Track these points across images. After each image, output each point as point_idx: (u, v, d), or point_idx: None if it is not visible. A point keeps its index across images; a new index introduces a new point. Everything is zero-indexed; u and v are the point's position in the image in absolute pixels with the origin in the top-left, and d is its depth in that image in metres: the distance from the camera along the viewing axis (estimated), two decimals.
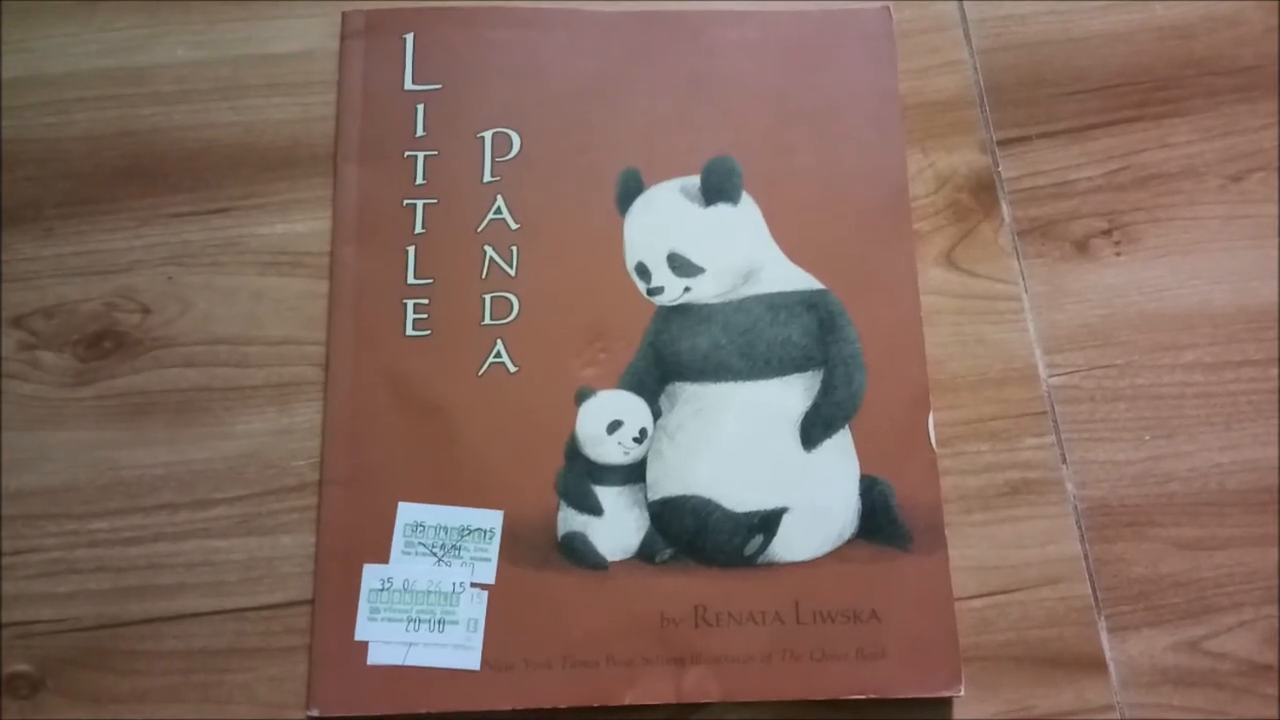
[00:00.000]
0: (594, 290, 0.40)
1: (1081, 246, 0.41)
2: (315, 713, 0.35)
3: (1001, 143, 0.42)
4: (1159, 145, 0.43)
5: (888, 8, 0.43)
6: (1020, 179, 0.42)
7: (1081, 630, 0.37)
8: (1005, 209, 0.42)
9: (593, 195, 0.41)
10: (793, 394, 0.38)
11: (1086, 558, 0.38)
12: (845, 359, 0.39)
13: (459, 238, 0.40)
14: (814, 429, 0.38)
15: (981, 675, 0.36)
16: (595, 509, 0.37)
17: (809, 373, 0.38)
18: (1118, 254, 0.41)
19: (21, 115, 0.43)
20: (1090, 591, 0.37)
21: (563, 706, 0.35)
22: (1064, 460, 0.39)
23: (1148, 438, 0.39)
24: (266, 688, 0.36)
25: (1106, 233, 0.42)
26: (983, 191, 0.42)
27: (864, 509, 0.37)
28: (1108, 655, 0.37)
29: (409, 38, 0.43)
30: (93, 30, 0.44)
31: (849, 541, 0.37)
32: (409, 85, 0.42)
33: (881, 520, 0.37)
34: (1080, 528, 0.38)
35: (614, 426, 0.38)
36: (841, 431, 0.38)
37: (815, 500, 0.37)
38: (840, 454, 0.38)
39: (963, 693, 0.35)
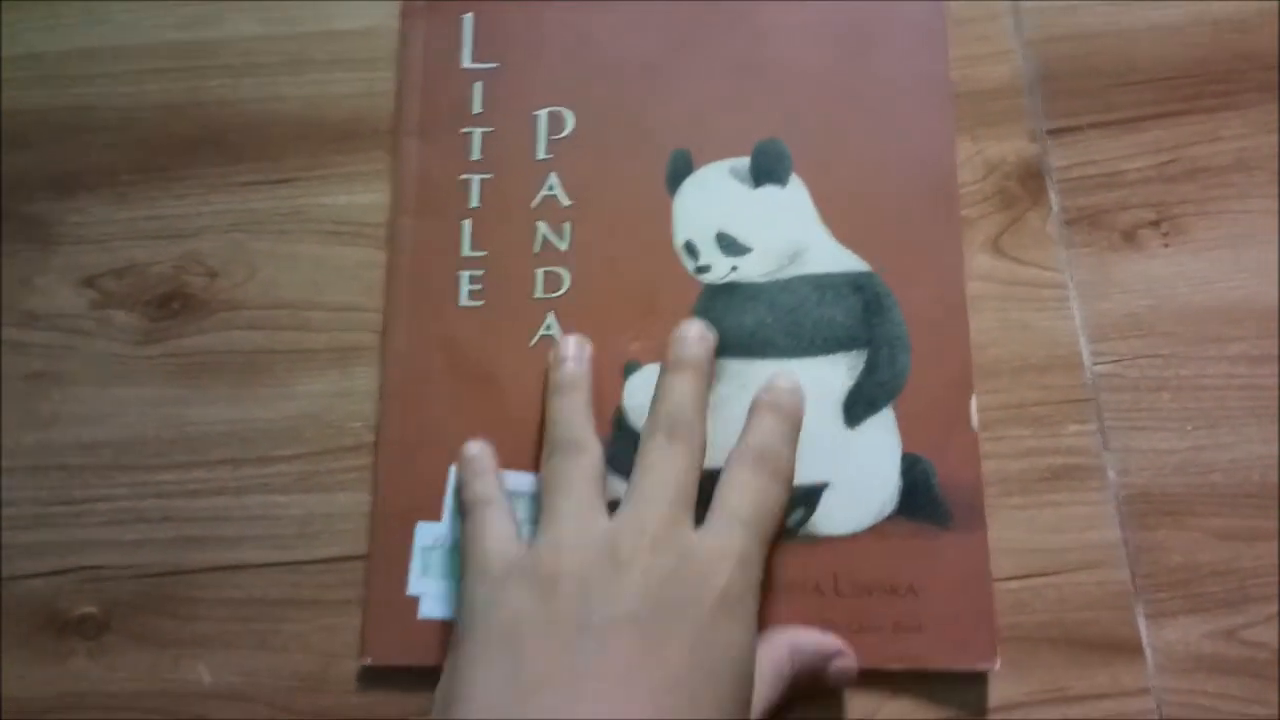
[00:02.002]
0: (644, 267, 0.40)
1: (1129, 237, 0.42)
2: (368, 661, 0.37)
3: (1051, 132, 0.43)
4: (1210, 138, 0.43)
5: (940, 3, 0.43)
6: (1069, 168, 0.42)
7: (1118, 615, 0.37)
8: (1053, 198, 0.42)
9: (644, 174, 0.42)
10: (837, 373, 0.39)
11: (1126, 544, 0.38)
12: (890, 340, 0.39)
13: (513, 213, 0.42)
14: (857, 406, 0.38)
15: (1018, 655, 0.37)
16: None
17: (853, 352, 0.39)
18: (1165, 245, 0.41)
19: (100, 84, 0.45)
20: (1129, 577, 0.38)
21: None
22: (1106, 447, 0.39)
23: (1190, 428, 0.39)
24: (321, 637, 0.38)
25: (1154, 224, 0.42)
26: (1031, 179, 0.42)
27: (905, 486, 0.38)
28: (1144, 640, 0.37)
29: (468, 17, 0.44)
30: (167, 5, 0.46)
31: (889, 517, 0.37)
32: (467, 63, 0.44)
33: (922, 498, 0.37)
34: (1120, 514, 0.38)
35: None
36: (884, 410, 0.38)
37: (856, 476, 0.38)
38: (883, 432, 0.38)
39: (998, 666, 0.36)
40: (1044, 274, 0.41)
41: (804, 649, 0.34)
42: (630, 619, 0.29)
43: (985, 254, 0.41)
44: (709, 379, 0.37)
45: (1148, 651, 0.37)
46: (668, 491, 0.32)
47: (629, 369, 0.39)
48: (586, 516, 0.33)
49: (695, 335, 0.37)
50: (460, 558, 0.35)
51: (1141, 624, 0.37)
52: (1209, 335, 0.40)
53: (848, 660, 0.35)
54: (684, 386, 0.36)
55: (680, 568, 0.30)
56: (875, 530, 0.37)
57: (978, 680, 0.37)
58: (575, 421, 0.36)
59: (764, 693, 0.32)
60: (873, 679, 0.36)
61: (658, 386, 0.36)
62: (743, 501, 0.33)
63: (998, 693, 0.37)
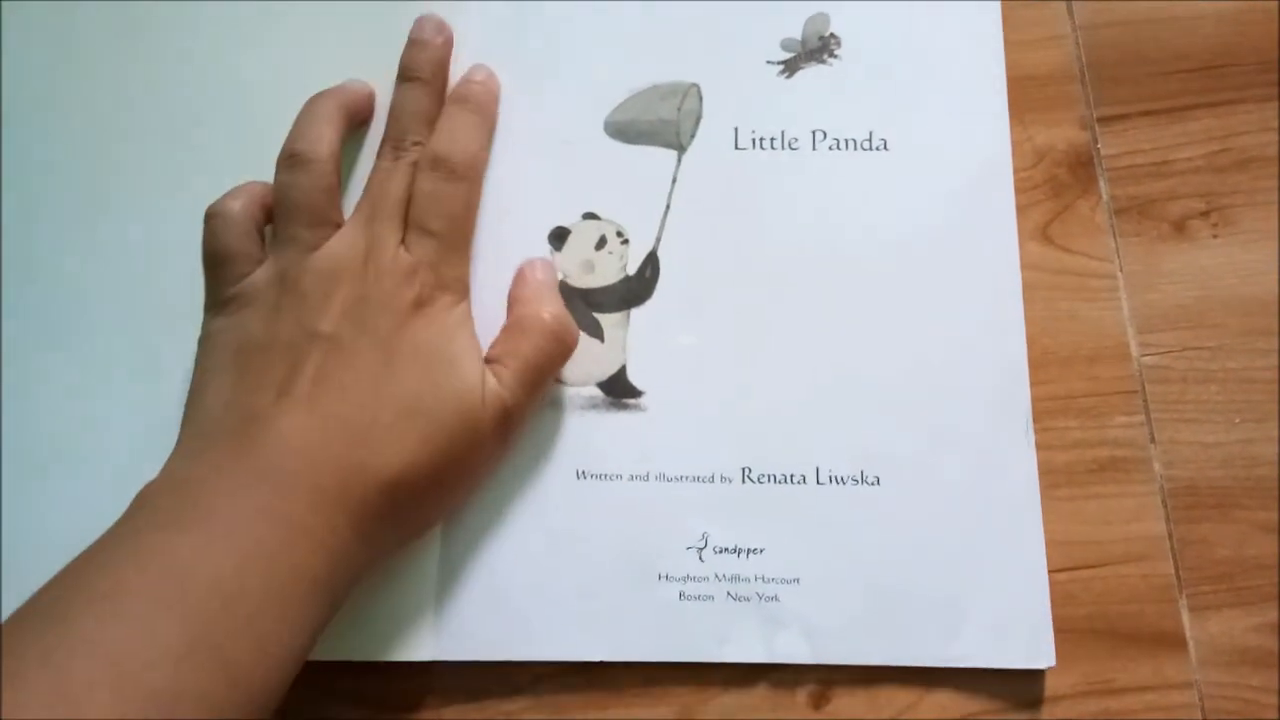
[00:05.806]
0: None
1: (1178, 227, 0.41)
2: None
3: (1101, 120, 0.42)
4: (1260, 128, 0.42)
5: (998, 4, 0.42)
6: (1119, 157, 0.42)
7: (1163, 608, 0.37)
8: (1103, 186, 0.42)
9: None
10: None
11: (1171, 537, 0.38)
12: None
13: None
14: None
15: (1063, 647, 0.37)
16: None
17: None
18: (1214, 236, 0.41)
19: None
20: (1173, 570, 0.38)
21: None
22: (1153, 439, 0.39)
23: (1238, 420, 0.39)
24: None
25: (1204, 214, 0.41)
26: (1081, 168, 0.42)
27: None
28: (1188, 633, 0.37)
29: None
30: None
31: None
32: None
33: None
34: (1166, 507, 0.38)
35: None
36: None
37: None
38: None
39: (1053, 664, 0.36)
40: (1092, 263, 0.41)
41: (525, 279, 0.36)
42: (327, 338, 0.32)
43: (1034, 242, 0.41)
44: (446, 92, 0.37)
45: (1191, 644, 0.37)
46: (382, 212, 0.34)
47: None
48: (308, 239, 0.34)
49: (432, 30, 0.37)
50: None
51: (1185, 617, 0.37)
52: (1257, 327, 0.40)
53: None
54: (417, 98, 0.36)
55: (376, 286, 0.33)
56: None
57: (1033, 675, 0.36)
58: (308, 132, 0.35)
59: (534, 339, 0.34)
60: (915, 671, 0.36)
61: (394, 97, 0.37)
62: (428, 212, 0.34)
63: (1043, 684, 0.37)
